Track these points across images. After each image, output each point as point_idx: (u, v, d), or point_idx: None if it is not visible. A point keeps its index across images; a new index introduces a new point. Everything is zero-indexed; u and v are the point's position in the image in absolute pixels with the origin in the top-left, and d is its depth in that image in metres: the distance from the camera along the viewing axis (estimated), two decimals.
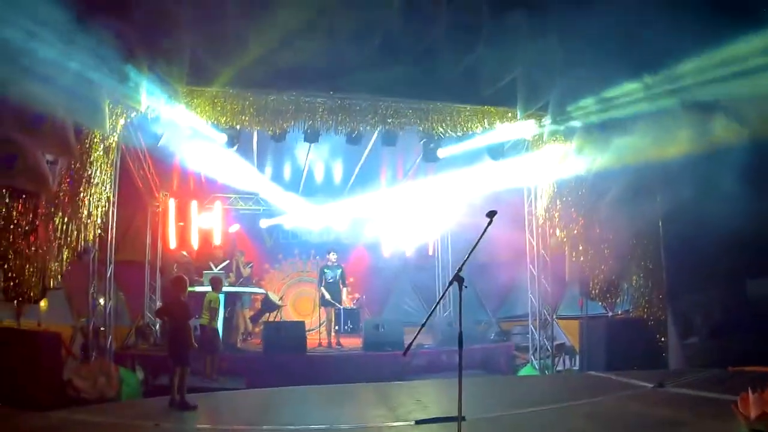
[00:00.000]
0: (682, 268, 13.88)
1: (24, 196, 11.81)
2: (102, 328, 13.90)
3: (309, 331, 17.69)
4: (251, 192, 19.64)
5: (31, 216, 11.87)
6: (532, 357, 16.27)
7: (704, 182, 11.97)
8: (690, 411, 9.13)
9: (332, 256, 18.44)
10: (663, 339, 14.16)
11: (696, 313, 13.68)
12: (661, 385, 11.08)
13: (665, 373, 12.62)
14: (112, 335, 14.17)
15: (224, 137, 14.41)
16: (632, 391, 11.22)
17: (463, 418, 6.57)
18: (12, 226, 11.65)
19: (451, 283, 6.39)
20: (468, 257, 6.42)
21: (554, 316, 16.58)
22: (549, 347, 16.01)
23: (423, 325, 7.29)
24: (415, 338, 7.11)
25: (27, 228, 11.80)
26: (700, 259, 13.19)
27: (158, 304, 18.53)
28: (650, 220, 14.27)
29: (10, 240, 11.62)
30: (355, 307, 19.25)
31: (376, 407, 11.30)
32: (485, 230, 6.46)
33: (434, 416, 9.59)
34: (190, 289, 13.78)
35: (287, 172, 19.85)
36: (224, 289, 16.31)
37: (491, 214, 6.49)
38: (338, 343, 17.77)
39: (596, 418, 9.31)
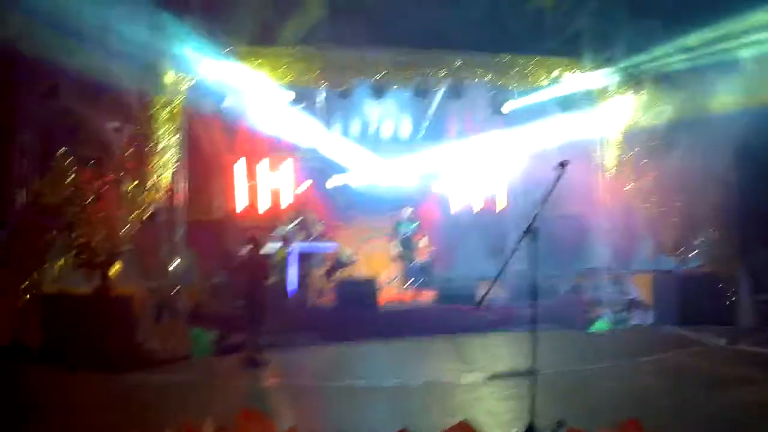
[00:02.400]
0: (755, 223, 13.53)
1: (90, 164, 12.03)
2: (174, 289, 14.07)
3: (381, 286, 17.74)
4: (319, 150, 19.56)
5: (98, 183, 12.09)
6: (605, 311, 16.06)
7: None
8: (761, 369, 8.98)
9: (407, 211, 18.44)
10: (735, 295, 13.84)
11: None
12: (732, 343, 10.88)
13: (738, 330, 12.40)
14: (184, 295, 14.36)
15: (291, 95, 14.40)
16: (704, 347, 11.08)
17: (535, 372, 6.50)
18: (78, 194, 11.88)
19: (524, 236, 6.29)
20: (540, 210, 6.30)
21: (627, 270, 16.30)
22: (622, 302, 15.81)
23: (496, 278, 7.23)
24: (488, 291, 7.03)
25: (94, 195, 12.01)
26: None
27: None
28: (723, 173, 13.91)
29: (78, 208, 11.86)
30: (428, 260, 19.18)
31: (449, 361, 11.38)
32: (557, 181, 6.34)
33: (507, 371, 9.57)
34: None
35: (355, 128, 19.76)
36: (298, 246, 16.45)
37: (563, 164, 6.34)
38: (415, 297, 17.82)
39: (667, 374, 9.26)
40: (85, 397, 9.06)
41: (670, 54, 13.50)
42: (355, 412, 8.37)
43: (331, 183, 20.91)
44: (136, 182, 12.72)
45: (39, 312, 11.49)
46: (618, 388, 8.88)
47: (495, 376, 9.47)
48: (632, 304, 15.85)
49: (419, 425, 7.10)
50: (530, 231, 6.25)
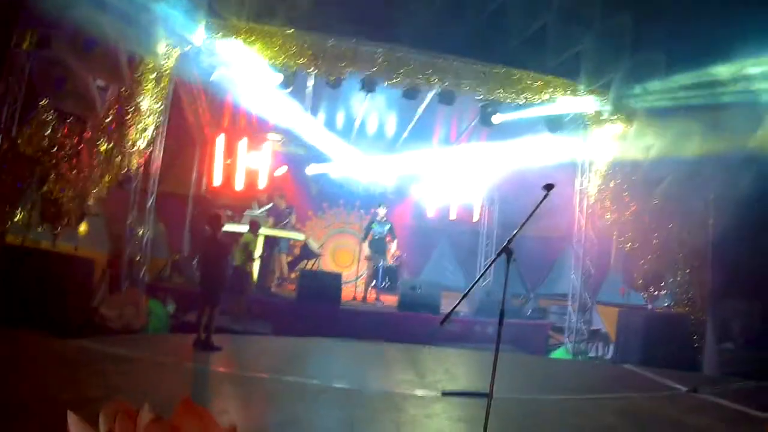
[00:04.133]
0: (729, 270, 13.44)
1: (71, 119, 11.75)
2: (137, 258, 13.80)
3: (345, 283, 17.51)
4: (302, 136, 19.26)
5: (76, 140, 11.83)
6: (567, 339, 15.95)
7: (764, 186, 11.58)
8: (722, 423, 8.82)
9: (381, 211, 18.16)
10: (700, 340, 13.73)
11: (735, 318, 13.31)
12: (695, 390, 10.73)
13: (700, 378, 12.32)
14: (147, 266, 14.09)
15: (280, 78, 14.11)
16: (666, 392, 10.91)
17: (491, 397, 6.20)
18: (55, 149, 11.60)
19: (499, 255, 6.03)
20: (519, 230, 6.05)
21: (594, 301, 16.15)
22: (585, 332, 15.68)
23: (464, 296, 6.97)
24: (453, 310, 6.75)
25: (70, 151, 11.74)
26: (748, 265, 12.81)
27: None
28: (702, 216, 13.81)
29: (53, 162, 11.57)
30: (394, 264, 18.95)
31: (404, 371, 11.15)
32: (540, 203, 6.10)
33: (462, 389, 9.35)
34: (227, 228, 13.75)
35: (340, 120, 19.50)
36: (264, 231, 16.21)
37: (548, 188, 6.10)
38: (377, 299, 17.56)
39: (629, 416, 9.00)
40: (28, 358, 8.74)
41: (666, 90, 13.37)
42: (302, 411, 8.12)
43: (311, 170, 20.66)
44: (114, 144, 12.45)
45: None
46: (577, 424, 8.64)
47: (449, 394, 9.23)
48: (594, 336, 15.74)
49: None
50: (506, 251, 5.96)
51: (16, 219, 11.61)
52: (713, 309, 13.67)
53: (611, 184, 15.05)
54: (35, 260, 11.20)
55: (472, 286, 7.07)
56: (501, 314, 6.05)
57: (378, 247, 17.85)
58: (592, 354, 15.46)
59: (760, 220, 12.31)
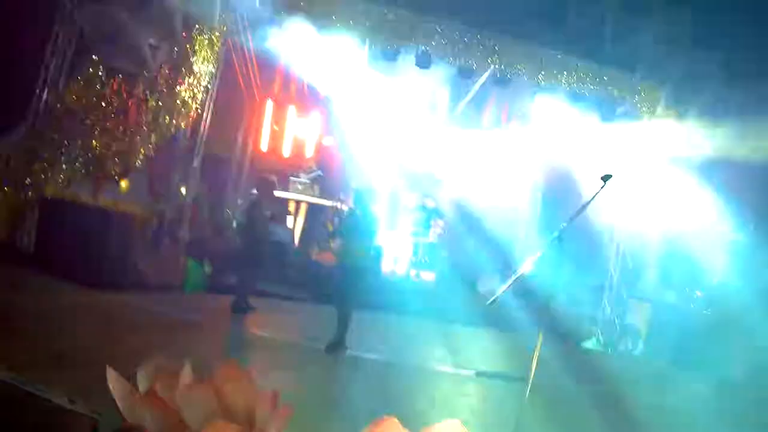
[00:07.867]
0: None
1: (121, 76, 11.83)
2: (179, 216, 13.92)
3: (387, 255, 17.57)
4: (350, 109, 19.16)
5: (124, 97, 11.89)
6: (599, 330, 15.89)
7: None
8: None
9: (428, 199, 18.31)
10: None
11: None
12: None
13: None
14: (187, 225, 14.20)
15: (337, 48, 14.11)
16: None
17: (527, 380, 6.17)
18: (103, 104, 11.67)
19: (550, 243, 6.03)
20: (572, 221, 6.04)
21: (629, 294, 16.09)
22: (617, 325, 15.62)
23: (515, 279, 7.00)
24: (502, 290, 6.75)
25: (118, 108, 11.82)
26: None
27: (239, 202, 18.55)
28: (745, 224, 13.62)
29: (99, 118, 11.66)
30: (436, 242, 18.91)
31: (438, 348, 11.21)
32: (596, 194, 6.07)
33: (497, 371, 9.38)
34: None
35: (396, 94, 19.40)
36: (307, 199, 16.27)
37: (605, 178, 6.04)
38: (417, 275, 17.62)
39: (666, 414, 8.91)
40: (66, 310, 8.81)
41: (725, 93, 13.21)
42: (338, 380, 8.19)
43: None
44: (163, 104, 12.53)
45: (38, 214, 11.32)
46: (608, 416, 8.57)
47: (483, 375, 9.24)
48: (626, 330, 15.61)
49: (403, 409, 6.91)
50: (557, 240, 5.95)
51: (58, 173, 11.73)
52: None
53: (658, 181, 14.90)
54: (75, 213, 11.32)
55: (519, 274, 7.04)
56: (544, 301, 6.07)
57: (421, 223, 17.91)
58: (621, 348, 15.35)
59: None
